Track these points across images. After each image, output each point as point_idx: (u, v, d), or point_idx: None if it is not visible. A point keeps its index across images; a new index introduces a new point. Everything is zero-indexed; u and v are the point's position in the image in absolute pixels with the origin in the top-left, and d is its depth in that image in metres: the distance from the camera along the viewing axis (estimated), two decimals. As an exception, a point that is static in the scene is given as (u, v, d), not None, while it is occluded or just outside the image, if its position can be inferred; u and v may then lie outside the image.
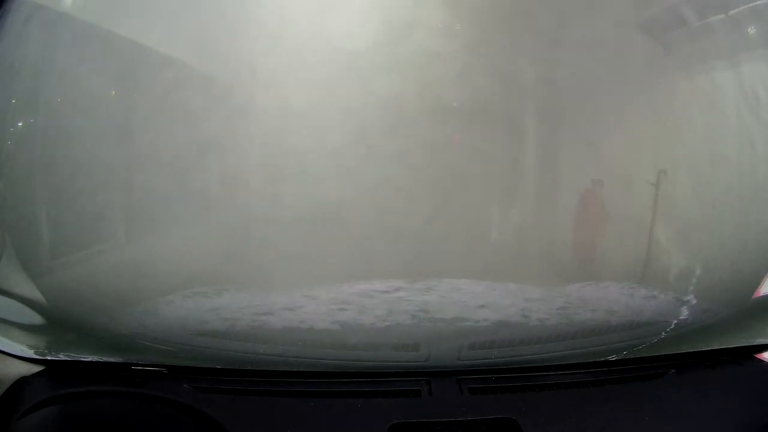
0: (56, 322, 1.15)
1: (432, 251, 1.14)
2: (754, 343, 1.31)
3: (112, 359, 1.14)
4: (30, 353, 1.12)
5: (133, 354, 1.15)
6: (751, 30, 1.20)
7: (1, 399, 1.07)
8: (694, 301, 1.21)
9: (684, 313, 1.23)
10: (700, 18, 1.18)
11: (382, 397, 1.10)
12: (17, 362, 1.12)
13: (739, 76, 1.20)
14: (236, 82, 1.08)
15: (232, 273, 1.14)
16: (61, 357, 1.14)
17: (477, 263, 1.17)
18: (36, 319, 1.12)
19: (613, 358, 1.25)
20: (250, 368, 1.18)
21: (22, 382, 1.10)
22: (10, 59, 1.08)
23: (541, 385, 1.16)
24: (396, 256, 1.13)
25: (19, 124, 1.09)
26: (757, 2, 1.19)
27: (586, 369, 1.23)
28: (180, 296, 1.13)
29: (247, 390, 1.11)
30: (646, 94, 1.17)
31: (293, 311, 1.13)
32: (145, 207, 1.11)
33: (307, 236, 1.10)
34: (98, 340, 1.15)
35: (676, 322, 1.24)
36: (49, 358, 1.13)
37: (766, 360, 1.31)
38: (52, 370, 1.13)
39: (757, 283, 1.25)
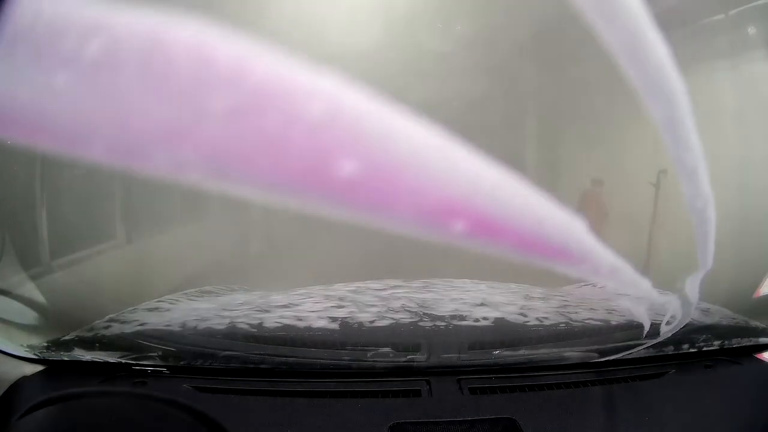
0: (56, 322, 1.15)
1: (430, 250, 1.14)
2: (754, 343, 1.31)
3: (112, 359, 1.14)
4: (30, 353, 1.12)
5: (133, 354, 1.15)
6: (751, 30, 1.20)
7: (1, 399, 1.07)
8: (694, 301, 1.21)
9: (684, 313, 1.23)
10: (700, 17, 1.18)
11: (382, 397, 1.10)
12: (17, 362, 1.12)
13: (739, 76, 1.20)
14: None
15: (231, 272, 1.14)
16: (61, 357, 1.14)
17: (476, 262, 1.16)
18: (36, 319, 1.12)
19: (613, 358, 1.25)
20: (250, 368, 1.18)
21: (22, 382, 1.10)
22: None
23: (541, 385, 1.16)
24: (394, 254, 1.13)
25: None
26: (758, 2, 1.19)
27: (586, 369, 1.23)
28: (180, 296, 1.13)
29: (247, 390, 1.11)
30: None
31: (290, 309, 1.13)
32: (144, 207, 1.11)
33: (305, 235, 1.10)
34: (98, 340, 1.15)
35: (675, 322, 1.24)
36: (49, 358, 1.13)
37: (766, 360, 1.31)
38: (52, 370, 1.13)
39: (757, 283, 1.25)
